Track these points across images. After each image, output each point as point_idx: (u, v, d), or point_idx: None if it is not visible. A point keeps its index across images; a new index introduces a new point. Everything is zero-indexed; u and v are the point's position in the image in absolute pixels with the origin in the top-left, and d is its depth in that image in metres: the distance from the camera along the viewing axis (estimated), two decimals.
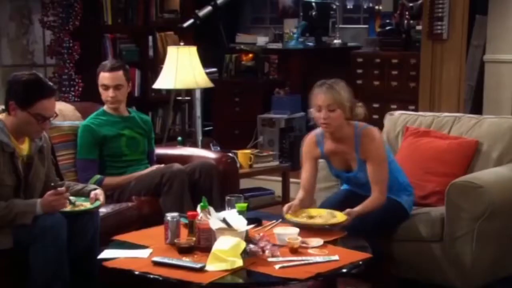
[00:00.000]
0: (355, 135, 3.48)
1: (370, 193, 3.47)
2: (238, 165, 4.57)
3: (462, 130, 4.03)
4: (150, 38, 7.18)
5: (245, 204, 3.25)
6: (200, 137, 6.43)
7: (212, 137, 6.89)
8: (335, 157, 3.58)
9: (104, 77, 3.99)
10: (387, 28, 6.66)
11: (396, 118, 4.29)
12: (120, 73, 4.02)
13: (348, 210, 3.35)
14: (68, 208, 3.19)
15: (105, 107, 4.08)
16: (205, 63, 6.02)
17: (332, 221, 3.28)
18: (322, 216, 3.33)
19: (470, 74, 5.94)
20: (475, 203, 3.48)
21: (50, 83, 3.33)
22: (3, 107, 3.28)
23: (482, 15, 5.82)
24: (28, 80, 3.18)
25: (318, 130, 3.60)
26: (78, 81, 6.32)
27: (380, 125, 4.39)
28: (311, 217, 3.35)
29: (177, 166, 3.83)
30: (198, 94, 5.74)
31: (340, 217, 3.29)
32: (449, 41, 5.37)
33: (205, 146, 5.81)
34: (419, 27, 6.15)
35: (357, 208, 3.38)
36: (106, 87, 3.99)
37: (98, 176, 3.87)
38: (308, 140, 3.64)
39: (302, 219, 3.32)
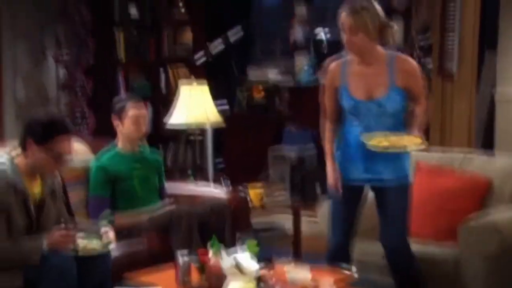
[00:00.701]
0: (388, 61, 3.38)
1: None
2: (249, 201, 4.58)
3: (474, 167, 4.02)
4: (162, 72, 7.26)
5: (256, 243, 3.24)
6: (211, 172, 6.45)
7: (223, 171, 6.91)
8: (359, 81, 3.41)
9: (137, 110, 3.99)
10: None
11: None
12: (144, 107, 4.09)
13: (416, 133, 3.31)
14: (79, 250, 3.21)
15: (119, 145, 4.08)
16: (217, 97, 6.05)
17: (416, 147, 3.28)
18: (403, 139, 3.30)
19: (480, 108, 5.94)
20: (488, 244, 3.47)
21: (68, 121, 3.36)
22: (17, 151, 3.29)
23: (491, 50, 5.85)
24: (46, 118, 3.22)
25: (345, 55, 3.49)
26: (91, 116, 6.38)
27: None
28: (393, 142, 3.29)
29: (185, 204, 3.84)
30: (209, 129, 5.76)
31: (408, 139, 3.28)
32: (459, 78, 5.38)
33: (216, 180, 5.83)
34: (429, 63, 6.17)
35: (415, 126, 3.35)
36: (138, 120, 3.99)
37: (109, 214, 3.88)
38: (332, 66, 3.51)
39: (386, 143, 3.27)
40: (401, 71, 3.37)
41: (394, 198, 3.48)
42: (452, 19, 5.56)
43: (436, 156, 4.18)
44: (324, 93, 3.56)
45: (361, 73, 3.42)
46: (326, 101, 3.56)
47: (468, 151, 4.20)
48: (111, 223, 3.74)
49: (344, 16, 3.34)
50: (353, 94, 3.43)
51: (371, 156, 3.38)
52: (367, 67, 3.41)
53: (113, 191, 3.97)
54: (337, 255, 3.59)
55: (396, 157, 3.41)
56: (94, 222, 3.53)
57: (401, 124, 3.44)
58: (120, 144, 4.06)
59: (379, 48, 3.41)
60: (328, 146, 3.61)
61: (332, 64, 3.52)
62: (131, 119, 3.97)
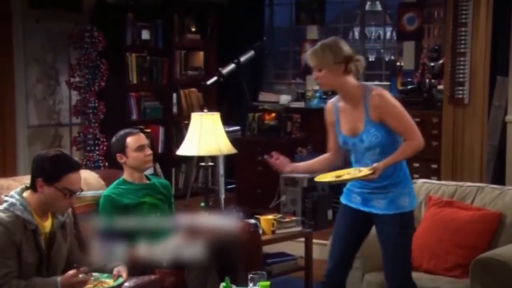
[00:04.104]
0: (364, 95, 3.40)
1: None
2: (260, 231, 4.59)
3: (485, 201, 4.01)
4: (174, 95, 7.31)
5: (268, 283, 3.25)
6: (222, 195, 6.48)
7: (234, 194, 6.92)
8: (345, 118, 3.49)
9: (139, 139, 4.05)
10: (409, 87, 6.69)
11: (419, 187, 4.27)
12: (141, 133, 4.16)
13: (375, 164, 3.31)
14: (93, 285, 3.22)
15: (125, 176, 4.08)
16: (228, 121, 6.07)
17: (359, 175, 3.31)
18: (350, 173, 3.36)
19: (492, 134, 5.94)
20: (500, 280, 3.46)
21: (75, 158, 3.39)
22: (26, 185, 3.32)
23: (503, 76, 5.85)
24: (54, 156, 3.22)
25: (332, 99, 3.59)
26: (103, 140, 6.41)
27: None
28: (338, 176, 3.38)
29: (198, 238, 3.85)
30: (221, 158, 5.78)
31: (366, 171, 3.31)
32: (470, 106, 5.38)
33: (227, 205, 5.85)
34: (440, 86, 6.19)
35: (385, 161, 3.33)
36: (143, 147, 4.04)
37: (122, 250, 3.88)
38: (327, 106, 3.60)
39: (332, 178, 3.39)
40: (373, 107, 3.39)
41: (388, 230, 3.49)
42: (463, 44, 5.56)
43: (447, 189, 4.17)
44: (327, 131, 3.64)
45: (345, 110, 3.50)
46: (329, 136, 3.62)
47: (479, 186, 4.17)
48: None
49: (308, 54, 3.47)
50: (342, 130, 3.52)
51: (367, 189, 3.46)
52: (349, 104, 3.48)
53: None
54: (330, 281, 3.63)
55: (391, 191, 3.44)
56: (107, 260, 3.52)
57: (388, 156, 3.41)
58: (127, 176, 4.07)
59: (355, 84, 3.45)
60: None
61: (328, 104, 3.62)
62: (135, 148, 4.02)
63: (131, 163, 4.05)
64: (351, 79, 3.43)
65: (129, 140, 4.03)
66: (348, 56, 3.41)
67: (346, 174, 3.38)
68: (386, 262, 3.53)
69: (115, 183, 4.07)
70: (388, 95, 3.45)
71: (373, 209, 3.46)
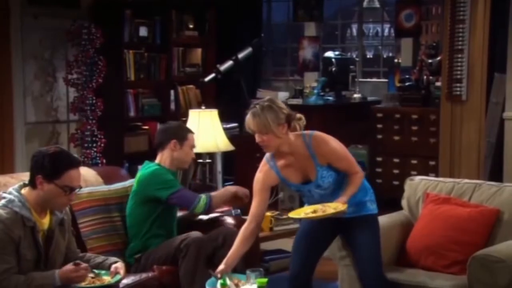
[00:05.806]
0: (307, 145, 3.41)
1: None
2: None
3: (483, 198, 4.00)
4: (172, 92, 7.30)
5: (265, 280, 3.26)
6: None
7: None
8: (291, 171, 3.48)
9: (194, 140, 4.16)
10: (407, 83, 6.71)
11: (416, 184, 4.28)
12: None
13: (339, 199, 3.37)
14: (90, 281, 3.22)
15: (161, 162, 4.09)
16: (226, 118, 6.07)
17: (340, 209, 3.32)
18: (317, 210, 3.36)
19: (489, 130, 5.95)
20: (497, 277, 3.46)
21: (75, 155, 3.39)
22: (24, 181, 3.32)
23: (501, 73, 5.86)
24: (54, 153, 3.22)
25: (266, 155, 3.51)
26: (101, 137, 6.41)
27: (401, 186, 4.42)
28: (315, 211, 3.36)
29: (195, 233, 3.87)
30: (219, 155, 5.78)
31: (334, 206, 3.34)
32: (468, 102, 5.40)
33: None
34: (438, 83, 6.20)
35: (346, 194, 3.40)
36: (193, 148, 4.16)
37: (204, 196, 3.95)
38: (264, 174, 3.49)
39: (311, 214, 3.36)
40: (318, 154, 3.41)
41: (361, 231, 3.56)
42: (461, 41, 5.57)
43: (445, 186, 4.16)
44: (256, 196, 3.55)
45: (289, 165, 3.47)
46: (256, 202, 3.51)
47: (477, 182, 4.17)
48: (210, 203, 3.92)
49: (248, 120, 3.38)
50: (293, 182, 3.52)
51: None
52: (293, 157, 3.45)
53: (154, 212, 3.98)
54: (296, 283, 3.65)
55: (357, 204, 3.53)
56: (103, 257, 3.51)
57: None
58: (165, 162, 4.08)
59: (295, 136, 3.42)
60: None
61: (264, 171, 3.50)
62: (191, 145, 4.12)
63: (180, 155, 4.08)
64: (291, 135, 3.40)
65: (191, 136, 4.14)
66: (289, 115, 3.37)
67: (321, 210, 3.35)
68: (363, 264, 3.57)
69: (151, 164, 4.06)
70: (326, 138, 3.46)
71: (344, 215, 3.46)
